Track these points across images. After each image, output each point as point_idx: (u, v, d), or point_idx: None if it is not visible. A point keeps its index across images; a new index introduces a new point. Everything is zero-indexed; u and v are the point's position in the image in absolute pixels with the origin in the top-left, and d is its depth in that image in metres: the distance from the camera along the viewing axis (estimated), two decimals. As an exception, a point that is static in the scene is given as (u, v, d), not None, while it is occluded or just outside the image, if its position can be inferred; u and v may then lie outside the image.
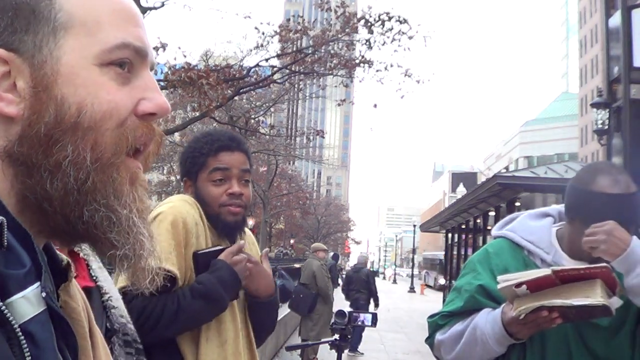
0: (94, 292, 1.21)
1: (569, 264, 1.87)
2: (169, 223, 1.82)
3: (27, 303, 0.60)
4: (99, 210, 0.66)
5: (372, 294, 12.11)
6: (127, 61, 0.69)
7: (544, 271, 1.68)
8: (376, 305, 12.21)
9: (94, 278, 1.24)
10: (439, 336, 1.98)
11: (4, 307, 0.58)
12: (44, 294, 0.61)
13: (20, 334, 0.58)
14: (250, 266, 1.88)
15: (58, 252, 0.70)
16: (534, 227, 1.97)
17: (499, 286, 1.75)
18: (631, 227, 1.77)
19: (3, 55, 0.65)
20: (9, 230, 0.60)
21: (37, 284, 0.61)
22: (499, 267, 1.92)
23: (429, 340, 2.04)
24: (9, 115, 0.64)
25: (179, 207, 1.87)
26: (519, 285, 1.69)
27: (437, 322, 2.00)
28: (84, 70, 0.66)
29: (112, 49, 0.68)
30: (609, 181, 1.78)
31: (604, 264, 1.68)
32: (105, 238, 0.68)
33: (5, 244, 0.59)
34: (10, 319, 0.58)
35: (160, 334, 1.74)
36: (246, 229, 2.08)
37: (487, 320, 1.82)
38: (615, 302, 1.69)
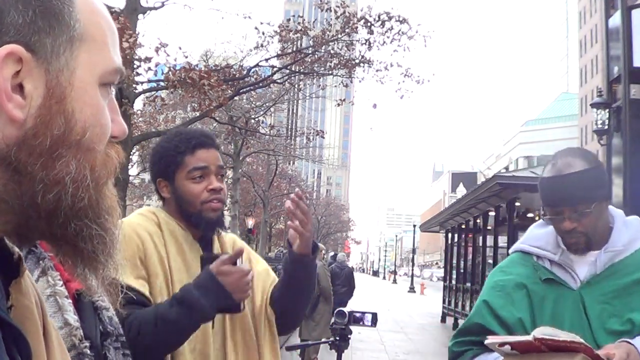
0: (84, 294, 1.19)
1: (575, 261, 1.96)
2: (122, 236, 1.76)
3: None
4: (90, 227, 0.65)
5: (353, 288, 13.45)
6: (113, 83, 0.70)
7: (527, 337, 1.70)
8: (350, 296, 13.60)
9: None
10: None
11: None
12: None
13: None
14: (249, 279, 1.75)
15: (10, 245, 0.67)
16: (540, 234, 2.08)
17: (486, 342, 1.80)
18: (573, 205, 1.84)
19: (21, 54, 0.60)
20: None
21: None
22: (510, 278, 2.02)
23: None
24: (14, 119, 0.61)
25: (131, 220, 1.89)
26: (502, 344, 1.73)
27: (452, 350, 2.06)
28: (92, 88, 0.66)
29: (112, 72, 0.68)
30: (549, 166, 1.93)
31: (583, 342, 1.64)
32: (86, 249, 0.66)
33: None
34: None
35: (145, 345, 1.66)
36: (231, 233, 2.05)
37: None
38: None
